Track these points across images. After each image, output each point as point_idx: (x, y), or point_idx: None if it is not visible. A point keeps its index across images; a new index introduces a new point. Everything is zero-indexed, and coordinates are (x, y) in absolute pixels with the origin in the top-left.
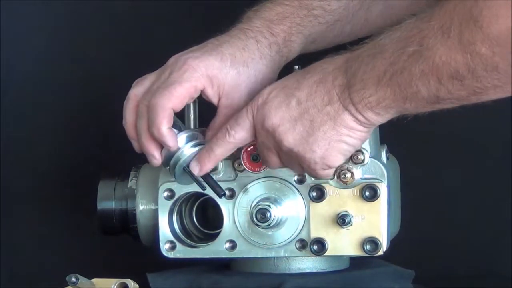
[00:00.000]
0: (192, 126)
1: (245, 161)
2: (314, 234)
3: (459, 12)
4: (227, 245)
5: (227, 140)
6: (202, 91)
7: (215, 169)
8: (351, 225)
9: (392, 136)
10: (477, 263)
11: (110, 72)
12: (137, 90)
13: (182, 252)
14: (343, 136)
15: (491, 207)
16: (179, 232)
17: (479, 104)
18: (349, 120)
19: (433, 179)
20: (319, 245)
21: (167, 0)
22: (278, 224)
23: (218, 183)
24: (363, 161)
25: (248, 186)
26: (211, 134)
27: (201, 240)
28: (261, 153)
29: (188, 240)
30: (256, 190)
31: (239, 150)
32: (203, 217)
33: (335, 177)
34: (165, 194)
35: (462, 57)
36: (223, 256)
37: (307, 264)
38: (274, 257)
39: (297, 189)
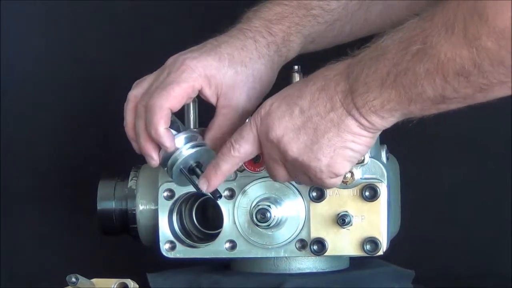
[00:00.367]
0: (191, 126)
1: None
2: (314, 234)
3: (462, 7)
4: (227, 245)
5: (232, 155)
6: (200, 91)
7: None
8: (351, 225)
9: (392, 136)
10: (477, 263)
11: (110, 72)
12: (136, 91)
13: (182, 252)
14: (347, 142)
15: (491, 207)
16: (179, 232)
17: (479, 104)
18: (353, 126)
19: (433, 179)
20: (319, 245)
21: (167, 0)
22: (278, 224)
23: None
24: (363, 161)
25: (248, 186)
26: (210, 134)
27: (201, 240)
28: (267, 166)
29: (188, 240)
30: (256, 190)
31: None
32: (203, 217)
33: None
34: (165, 194)
35: (467, 52)
36: (223, 256)
37: (307, 264)
38: (274, 257)
39: (297, 189)
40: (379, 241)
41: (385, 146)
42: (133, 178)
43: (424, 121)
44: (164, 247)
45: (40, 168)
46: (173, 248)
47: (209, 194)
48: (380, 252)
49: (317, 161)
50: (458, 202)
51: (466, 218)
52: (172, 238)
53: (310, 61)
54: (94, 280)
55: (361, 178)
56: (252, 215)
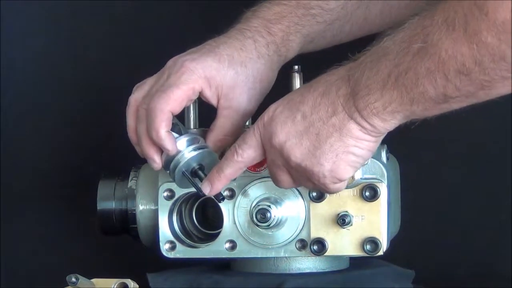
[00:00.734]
0: (192, 127)
1: None
2: (314, 234)
3: (463, 3)
4: (227, 245)
5: (235, 160)
6: (201, 93)
7: None
8: (351, 225)
9: (392, 136)
10: (477, 263)
11: (110, 72)
12: (137, 94)
13: (182, 252)
14: (350, 147)
15: (491, 207)
16: (179, 232)
17: (479, 103)
18: (354, 130)
19: (433, 179)
20: (319, 245)
21: (167, 0)
22: (278, 224)
23: None
24: None
25: (248, 186)
26: (212, 136)
27: (201, 240)
28: (271, 172)
29: (188, 240)
30: (256, 190)
31: None
32: (203, 217)
33: None
34: (165, 194)
35: (468, 49)
36: (223, 256)
37: (307, 264)
38: (274, 257)
39: (297, 189)
40: (379, 241)
41: (385, 146)
42: (133, 178)
43: (424, 121)
44: (164, 247)
45: (40, 168)
46: (173, 248)
47: (213, 196)
48: (380, 252)
49: (320, 166)
50: (458, 202)
51: (466, 218)
52: (172, 238)
53: (310, 61)
54: (94, 280)
55: (361, 178)
56: (252, 215)
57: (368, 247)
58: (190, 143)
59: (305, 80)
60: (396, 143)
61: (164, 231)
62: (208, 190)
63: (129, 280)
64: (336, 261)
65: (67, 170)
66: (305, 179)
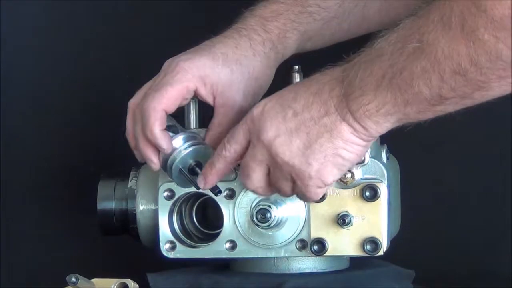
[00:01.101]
0: (192, 127)
1: None
2: (314, 234)
3: (459, 1)
4: (227, 245)
5: (224, 155)
6: (196, 92)
7: None
8: (351, 225)
9: (392, 136)
10: (477, 263)
11: (110, 72)
12: (135, 98)
13: (182, 252)
14: (339, 149)
15: (491, 207)
16: (179, 232)
17: (479, 103)
18: (346, 132)
19: (433, 179)
20: (319, 245)
21: (167, 0)
22: (279, 224)
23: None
24: (363, 161)
25: None
26: (210, 134)
27: (201, 240)
28: (245, 166)
29: (188, 240)
30: None
31: None
32: (203, 217)
33: None
34: (165, 194)
35: (465, 47)
36: (223, 256)
37: (307, 264)
38: (274, 257)
39: None
40: (379, 241)
41: (385, 146)
42: (133, 178)
43: (424, 122)
44: (164, 247)
45: (40, 168)
46: (173, 248)
47: (209, 190)
48: (380, 252)
49: (307, 166)
50: (458, 202)
51: (465, 218)
52: (172, 238)
53: (310, 61)
54: (94, 280)
55: (361, 178)
56: (252, 215)
57: (368, 247)
58: (186, 140)
59: None
60: (396, 143)
61: (164, 231)
62: (202, 184)
63: (129, 280)
64: (336, 261)
65: (67, 170)
66: (285, 179)
